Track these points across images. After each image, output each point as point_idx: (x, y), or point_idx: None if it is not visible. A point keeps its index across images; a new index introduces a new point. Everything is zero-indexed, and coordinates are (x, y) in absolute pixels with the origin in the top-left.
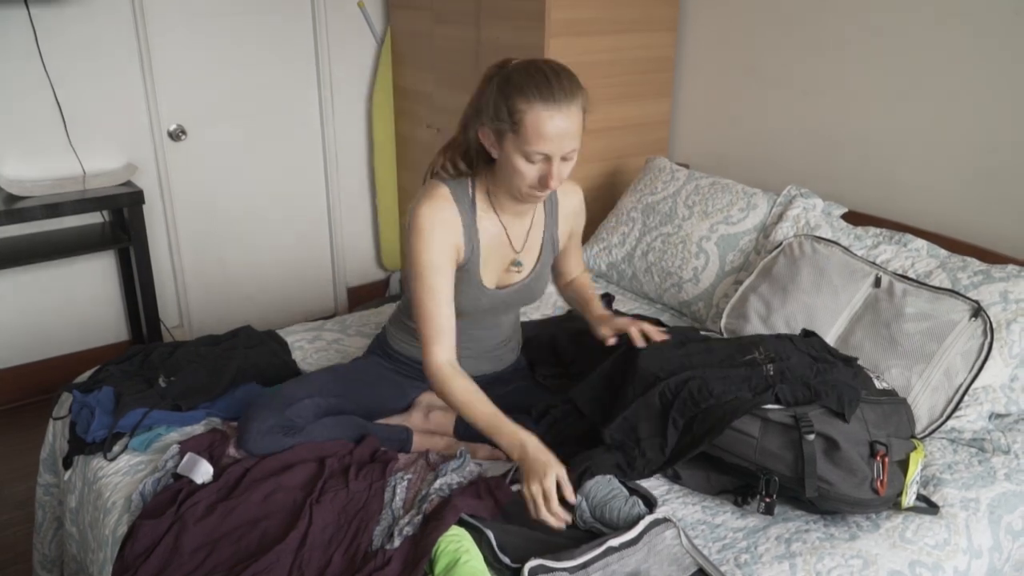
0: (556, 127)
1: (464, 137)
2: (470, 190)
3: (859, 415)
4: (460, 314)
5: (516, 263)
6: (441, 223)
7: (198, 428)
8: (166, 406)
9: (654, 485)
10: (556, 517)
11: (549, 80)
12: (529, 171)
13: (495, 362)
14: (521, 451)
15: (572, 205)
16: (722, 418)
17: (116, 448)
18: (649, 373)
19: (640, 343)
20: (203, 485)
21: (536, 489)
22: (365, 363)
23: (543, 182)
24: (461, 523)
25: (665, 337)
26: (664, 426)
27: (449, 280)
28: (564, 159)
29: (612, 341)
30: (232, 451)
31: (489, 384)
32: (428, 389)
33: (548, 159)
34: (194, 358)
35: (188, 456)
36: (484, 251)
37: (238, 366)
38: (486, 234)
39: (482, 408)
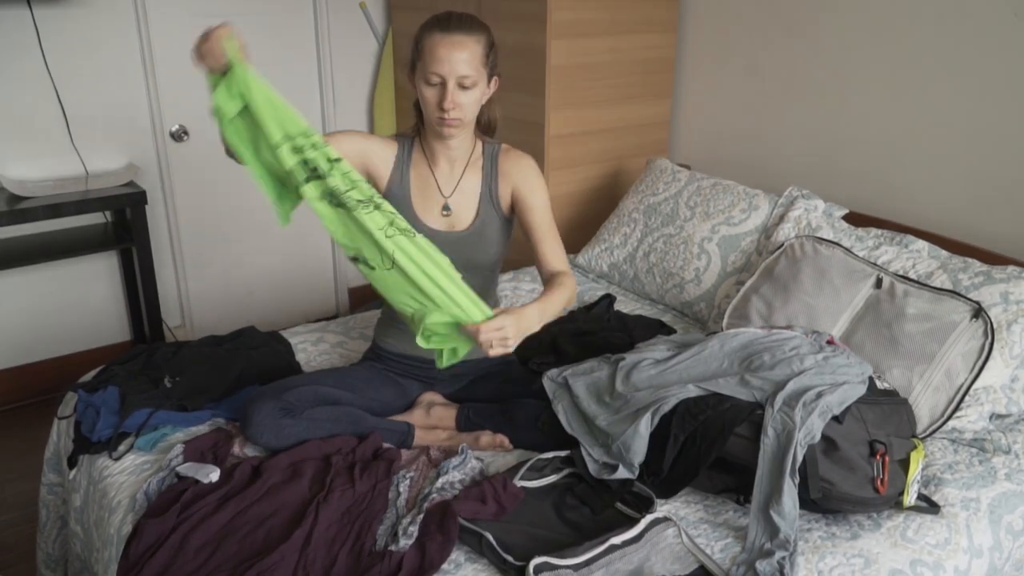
0: (447, 50)
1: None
2: (411, 136)
3: (857, 415)
4: None
5: (445, 208)
6: (365, 137)
7: (203, 428)
8: (171, 406)
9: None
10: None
11: (449, 15)
12: (431, 96)
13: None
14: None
15: (515, 165)
16: (721, 429)
17: (121, 448)
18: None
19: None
20: (210, 484)
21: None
22: (361, 365)
23: (441, 104)
24: (460, 529)
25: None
26: (664, 443)
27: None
28: (462, 87)
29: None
30: (236, 451)
31: (477, 380)
32: (428, 388)
33: (443, 82)
34: (198, 358)
35: (189, 465)
36: (414, 187)
37: (242, 367)
38: (416, 172)
39: None
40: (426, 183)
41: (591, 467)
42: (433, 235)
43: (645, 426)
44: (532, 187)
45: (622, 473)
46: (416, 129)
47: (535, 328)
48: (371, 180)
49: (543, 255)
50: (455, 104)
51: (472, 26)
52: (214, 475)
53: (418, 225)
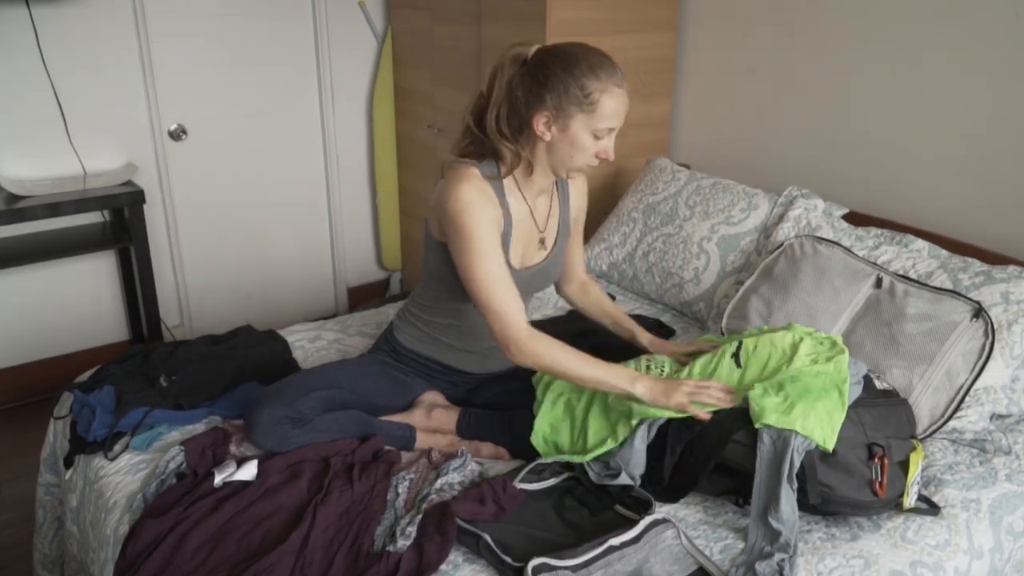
0: (624, 105)
1: (482, 126)
2: (497, 170)
3: (855, 418)
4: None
5: (541, 240)
6: (485, 199)
7: (199, 427)
8: (167, 405)
9: None
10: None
11: (609, 59)
12: (593, 147)
13: (502, 362)
14: (642, 382)
15: (578, 187)
16: (717, 439)
17: (117, 447)
18: None
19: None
20: (215, 487)
21: (687, 390)
22: (371, 359)
23: (602, 155)
24: (458, 530)
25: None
26: (661, 454)
27: (500, 250)
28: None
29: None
30: (234, 449)
31: (484, 383)
32: (431, 387)
33: (611, 134)
34: (195, 357)
35: (224, 467)
36: (515, 228)
37: (239, 365)
38: (516, 212)
39: (587, 363)
40: (525, 219)
41: (592, 476)
42: (518, 276)
43: (641, 439)
44: (584, 206)
45: (623, 479)
46: (510, 166)
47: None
48: None
49: (575, 260)
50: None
51: (623, 74)
52: (252, 468)
53: (516, 265)
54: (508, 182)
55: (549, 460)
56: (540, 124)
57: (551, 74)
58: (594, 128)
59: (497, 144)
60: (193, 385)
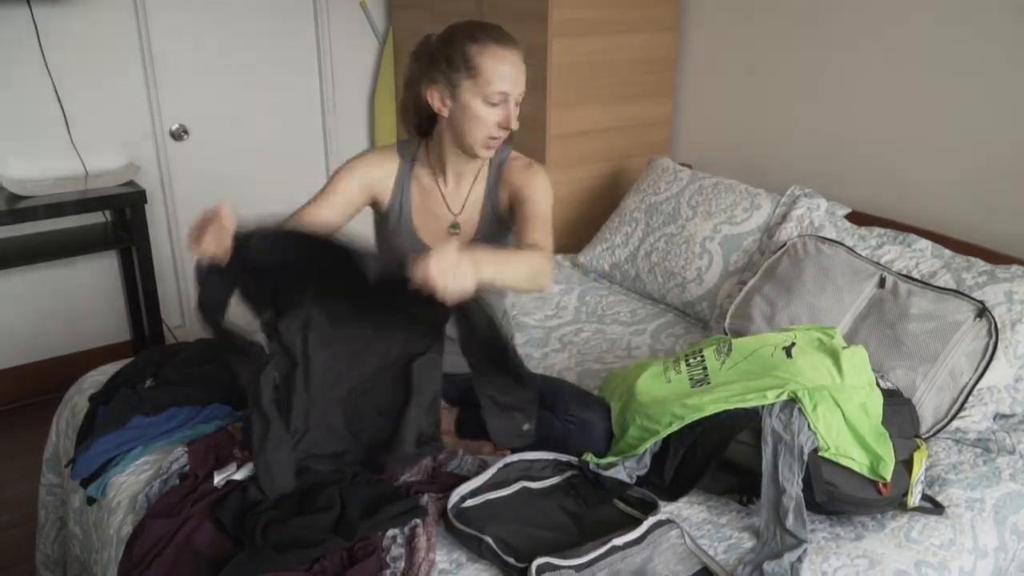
0: (512, 65)
1: (408, 105)
2: (414, 149)
3: None
4: None
5: (454, 226)
6: (369, 164)
7: (178, 449)
8: (140, 411)
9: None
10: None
11: (495, 26)
12: (489, 115)
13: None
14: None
15: (520, 174)
16: (720, 441)
17: (93, 491)
18: None
19: None
20: (216, 486)
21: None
22: None
23: (503, 124)
24: (459, 533)
25: None
26: (663, 454)
27: (331, 205)
28: (516, 103)
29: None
30: (237, 452)
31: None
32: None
33: (506, 100)
34: (191, 362)
35: (245, 467)
36: (416, 205)
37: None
38: (419, 189)
39: None
40: (430, 198)
41: (623, 475)
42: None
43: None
44: (533, 187)
45: (620, 475)
46: (419, 142)
47: (487, 272)
48: (376, 204)
49: (521, 232)
50: (517, 123)
51: (516, 40)
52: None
53: (416, 247)
54: (421, 160)
55: (550, 457)
56: (435, 100)
57: (436, 51)
58: (484, 94)
59: (406, 126)
60: (170, 397)
